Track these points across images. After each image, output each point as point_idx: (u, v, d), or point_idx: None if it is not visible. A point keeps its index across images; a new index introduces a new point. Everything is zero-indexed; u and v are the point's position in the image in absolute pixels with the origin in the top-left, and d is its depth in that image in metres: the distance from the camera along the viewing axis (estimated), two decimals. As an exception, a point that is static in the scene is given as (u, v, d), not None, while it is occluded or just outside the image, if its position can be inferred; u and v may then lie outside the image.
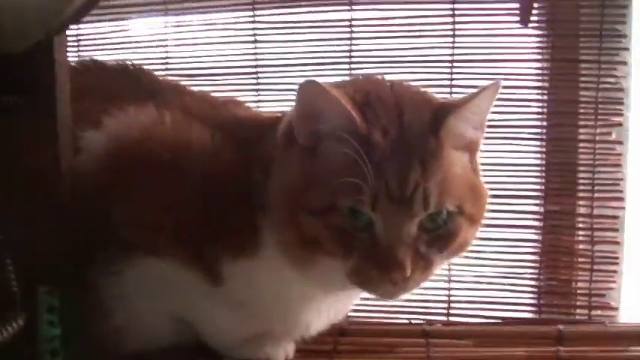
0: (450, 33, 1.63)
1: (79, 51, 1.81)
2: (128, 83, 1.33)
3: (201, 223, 1.13)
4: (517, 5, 1.57)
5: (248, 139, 1.17)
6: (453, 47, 1.63)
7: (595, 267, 1.61)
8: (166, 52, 1.77)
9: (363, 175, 0.98)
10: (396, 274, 0.99)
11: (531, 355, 1.31)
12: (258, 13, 1.72)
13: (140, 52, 1.79)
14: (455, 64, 1.63)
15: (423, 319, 1.61)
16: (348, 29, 1.67)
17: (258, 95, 1.72)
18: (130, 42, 1.82)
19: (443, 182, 1.01)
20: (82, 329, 1.14)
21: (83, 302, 1.14)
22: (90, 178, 1.16)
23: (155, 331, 1.21)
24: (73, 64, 1.30)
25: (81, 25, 1.80)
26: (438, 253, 1.04)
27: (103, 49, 1.80)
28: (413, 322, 1.60)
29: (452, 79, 1.63)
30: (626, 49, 1.58)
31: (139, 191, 1.14)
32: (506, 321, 1.60)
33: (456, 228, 1.04)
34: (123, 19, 1.82)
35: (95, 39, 1.83)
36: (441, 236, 1.03)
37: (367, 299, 1.57)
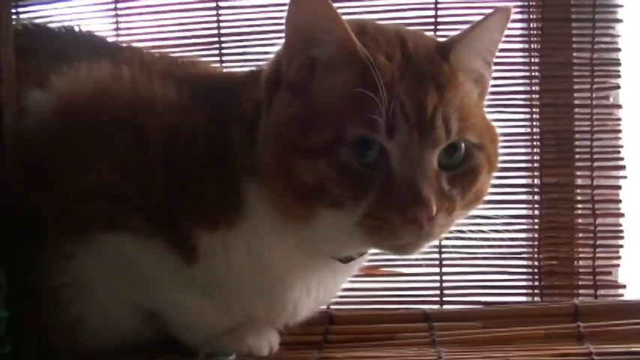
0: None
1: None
2: (78, 43, 1.20)
3: (169, 190, 0.99)
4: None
5: (221, 95, 1.04)
6: (436, 9, 1.51)
7: (598, 242, 1.50)
8: (117, 21, 1.61)
9: (375, 96, 0.86)
10: (422, 213, 0.86)
11: (550, 333, 1.18)
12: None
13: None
14: (438, 27, 1.51)
15: (415, 309, 1.46)
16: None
17: (222, 67, 1.56)
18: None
19: (462, 109, 0.91)
20: (33, 318, 0.98)
21: (33, 288, 0.99)
22: (35, 142, 1.01)
23: (117, 324, 1.07)
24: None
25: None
26: (460, 195, 0.92)
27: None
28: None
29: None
30: (621, 5, 1.50)
31: (93, 155, 1.00)
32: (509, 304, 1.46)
33: (478, 166, 0.94)
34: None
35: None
36: (462, 175, 0.93)
37: (354, 289, 1.45)
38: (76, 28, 1.25)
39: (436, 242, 1.45)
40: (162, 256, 1.00)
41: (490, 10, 1.44)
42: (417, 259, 1.49)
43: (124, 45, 1.28)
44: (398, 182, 0.87)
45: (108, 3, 1.63)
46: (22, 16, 1.64)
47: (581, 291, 1.50)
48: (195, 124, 1.01)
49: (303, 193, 0.91)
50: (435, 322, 1.27)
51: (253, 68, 1.09)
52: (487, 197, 1.44)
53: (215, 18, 1.58)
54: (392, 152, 0.88)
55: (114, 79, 1.04)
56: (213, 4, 1.58)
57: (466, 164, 0.92)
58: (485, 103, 1.44)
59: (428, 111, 0.88)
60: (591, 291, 1.49)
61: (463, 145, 0.92)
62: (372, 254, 1.46)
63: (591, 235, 1.50)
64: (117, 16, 1.61)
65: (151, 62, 1.13)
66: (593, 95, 1.50)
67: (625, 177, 1.50)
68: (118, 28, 1.61)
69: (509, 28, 1.47)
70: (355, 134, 0.88)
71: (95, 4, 1.64)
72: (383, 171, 0.88)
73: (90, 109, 1.01)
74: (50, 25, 1.29)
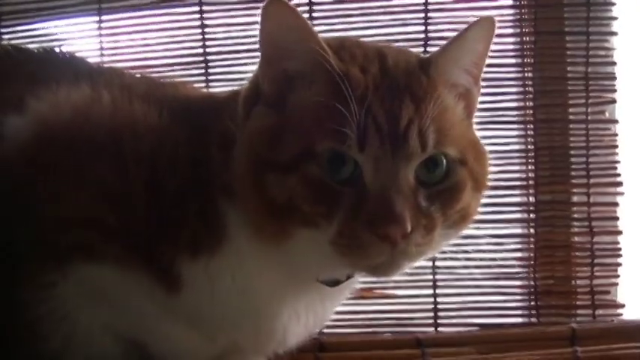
0: (422, 8, 1.49)
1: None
2: (57, 67, 1.16)
3: (149, 216, 0.94)
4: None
5: (202, 116, 1.00)
6: (426, 24, 1.48)
7: (596, 261, 1.46)
8: (101, 41, 1.59)
9: (345, 109, 0.83)
10: (394, 229, 0.81)
11: (546, 359, 1.13)
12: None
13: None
14: (429, 43, 1.48)
15: (408, 332, 1.43)
16: (307, 8, 1.50)
17: (208, 86, 1.53)
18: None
19: (440, 121, 0.87)
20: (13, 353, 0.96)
21: (9, 323, 0.95)
22: (11, 169, 0.96)
23: (101, 355, 1.01)
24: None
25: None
26: (440, 213, 0.86)
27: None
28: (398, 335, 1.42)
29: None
30: (616, 18, 1.47)
31: (71, 182, 0.95)
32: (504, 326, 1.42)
33: (459, 183, 0.88)
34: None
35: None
36: (443, 192, 0.87)
37: (345, 312, 1.41)
38: (56, 50, 1.21)
39: (429, 263, 1.46)
40: (143, 286, 0.95)
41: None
42: (410, 281, 1.48)
43: (104, 66, 1.24)
44: (370, 198, 0.83)
45: (91, 22, 1.59)
46: (4, 36, 1.61)
47: (579, 311, 1.46)
48: (176, 146, 0.96)
49: (275, 210, 0.86)
50: (428, 347, 1.23)
51: (238, 87, 1.04)
52: (481, 216, 1.45)
53: (201, 37, 1.55)
54: (364, 166, 0.83)
55: (93, 103, 1.00)
56: (199, 23, 1.55)
57: (447, 181, 0.87)
58: (478, 119, 1.44)
59: (401, 123, 0.84)
60: (589, 311, 1.45)
61: (444, 160, 0.87)
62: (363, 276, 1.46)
63: (589, 253, 1.46)
64: (101, 35, 1.58)
65: (132, 84, 1.09)
66: (589, 110, 1.47)
67: (622, 193, 1.46)
68: (102, 48, 1.58)
69: (502, 43, 1.48)
70: (325, 148, 0.84)
71: (79, 23, 1.61)
72: (356, 187, 0.84)
73: (68, 135, 0.97)
74: (29, 47, 1.25)
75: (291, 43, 0.88)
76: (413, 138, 0.84)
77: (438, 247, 0.91)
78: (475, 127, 1.40)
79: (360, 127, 0.83)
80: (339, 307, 1.42)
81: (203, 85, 1.52)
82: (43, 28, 1.62)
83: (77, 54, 1.25)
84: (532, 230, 1.48)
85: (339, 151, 0.84)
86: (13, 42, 1.60)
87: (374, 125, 0.83)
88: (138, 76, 1.22)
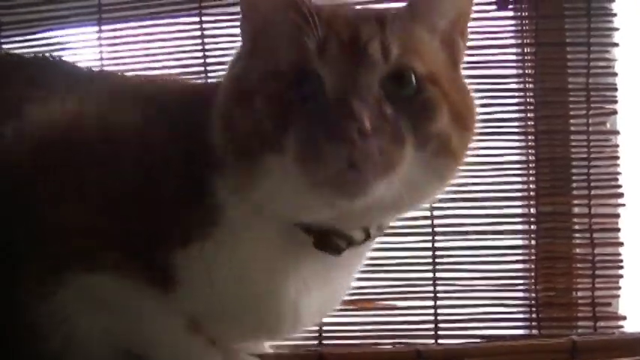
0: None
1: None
2: (52, 72, 1.16)
3: (146, 217, 0.94)
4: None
5: (192, 108, 0.99)
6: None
7: (597, 272, 1.45)
8: (101, 51, 1.59)
9: (308, 29, 0.84)
10: (349, 124, 0.78)
11: (547, 372, 1.12)
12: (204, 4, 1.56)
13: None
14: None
15: (408, 344, 1.42)
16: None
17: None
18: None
19: (407, 41, 0.86)
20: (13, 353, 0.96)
21: (9, 323, 0.96)
22: (12, 169, 0.97)
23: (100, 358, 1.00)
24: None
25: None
26: (411, 130, 0.83)
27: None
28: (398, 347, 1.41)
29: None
30: (617, 29, 1.46)
31: (67, 190, 0.95)
32: (505, 338, 1.42)
33: (431, 100, 0.85)
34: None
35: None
36: (412, 107, 0.84)
37: (345, 324, 1.41)
38: (48, 56, 1.23)
39: (430, 274, 1.46)
40: (142, 291, 0.95)
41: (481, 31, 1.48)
42: (410, 292, 1.48)
43: (95, 71, 1.23)
44: (330, 106, 0.81)
45: (92, 32, 1.60)
46: (5, 45, 1.61)
47: (580, 323, 1.46)
48: (165, 144, 0.96)
49: (244, 144, 0.86)
50: (429, 359, 1.22)
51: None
52: (481, 227, 1.45)
53: (201, 47, 1.55)
54: (325, 76, 0.83)
55: (84, 113, 1.00)
56: (199, 33, 1.55)
57: (418, 98, 0.85)
58: (479, 130, 1.44)
59: (363, 36, 0.84)
60: (590, 323, 1.45)
61: (412, 77, 0.85)
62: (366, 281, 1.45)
63: (590, 265, 1.45)
64: (101, 45, 1.59)
65: (120, 81, 1.12)
66: (590, 121, 1.46)
67: (623, 205, 1.45)
68: (102, 58, 1.58)
69: (503, 54, 1.48)
70: (287, 64, 0.85)
71: (79, 33, 1.62)
72: (318, 100, 0.83)
73: (63, 144, 0.97)
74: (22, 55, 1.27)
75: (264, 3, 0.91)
76: (374, 48, 0.83)
77: (419, 185, 0.87)
78: (476, 137, 1.44)
79: (320, 39, 0.83)
80: (341, 319, 1.45)
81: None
82: (43, 38, 1.63)
83: (77, 63, 1.26)
84: (533, 242, 1.48)
85: (302, 68, 0.84)
86: (13, 52, 1.60)
87: (335, 37, 0.84)
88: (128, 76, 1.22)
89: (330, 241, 0.94)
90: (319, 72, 0.83)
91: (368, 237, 0.95)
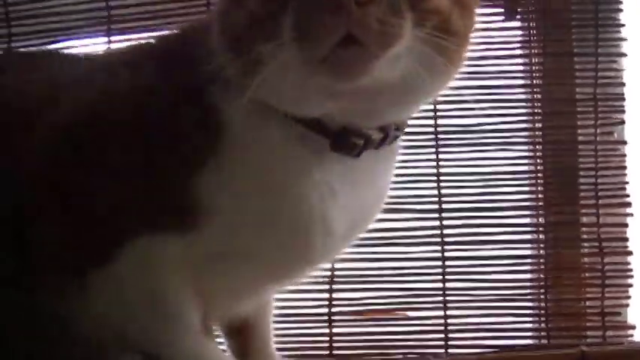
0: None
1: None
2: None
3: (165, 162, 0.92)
4: (501, -4, 1.46)
5: (189, 39, 0.99)
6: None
7: (606, 282, 1.46)
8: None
9: None
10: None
11: (557, 381, 1.13)
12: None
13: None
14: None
15: (419, 354, 1.43)
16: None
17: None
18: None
19: None
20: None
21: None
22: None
23: None
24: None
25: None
26: (408, 6, 0.80)
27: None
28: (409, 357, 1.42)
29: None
30: (624, 39, 1.47)
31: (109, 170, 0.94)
32: (515, 348, 1.43)
33: None
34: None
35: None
36: None
37: (355, 334, 1.42)
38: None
39: (440, 284, 1.47)
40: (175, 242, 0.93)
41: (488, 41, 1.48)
42: (420, 302, 1.49)
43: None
44: None
45: (101, 43, 1.63)
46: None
47: (589, 332, 1.47)
48: (168, 93, 0.94)
49: (241, 41, 0.84)
50: (440, 371, 1.23)
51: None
52: (490, 237, 1.46)
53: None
54: None
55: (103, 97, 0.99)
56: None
57: None
58: (487, 140, 1.46)
59: None
60: (600, 332, 1.45)
61: None
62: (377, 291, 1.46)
63: (599, 274, 1.46)
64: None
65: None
66: (597, 131, 1.47)
67: (631, 214, 1.46)
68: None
69: (510, 64, 1.49)
70: None
71: (88, 44, 1.64)
72: None
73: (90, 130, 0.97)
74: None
75: None
76: None
77: (422, 73, 0.83)
78: (483, 148, 1.45)
79: None
80: (351, 329, 1.46)
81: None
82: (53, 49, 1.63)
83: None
84: (542, 251, 1.49)
85: None
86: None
87: None
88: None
89: (347, 141, 0.91)
90: None
91: (386, 137, 0.92)
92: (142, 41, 1.13)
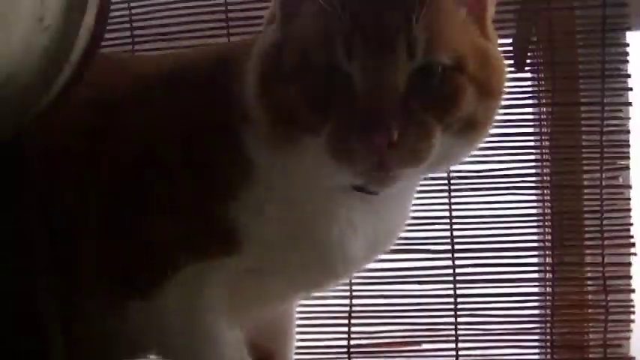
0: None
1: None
2: None
3: (195, 178, 1.01)
4: (511, 48, 1.51)
5: (219, 65, 1.05)
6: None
7: (610, 317, 1.54)
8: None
9: (335, 20, 0.85)
10: (378, 136, 0.82)
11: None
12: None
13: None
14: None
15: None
16: None
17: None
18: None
19: (433, 26, 0.86)
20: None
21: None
22: None
23: None
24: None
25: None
26: (436, 120, 0.86)
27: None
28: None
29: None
30: (630, 89, 1.52)
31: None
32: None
33: (455, 89, 0.87)
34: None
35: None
36: (438, 99, 0.86)
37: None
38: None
39: (452, 319, 1.57)
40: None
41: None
42: (434, 335, 1.59)
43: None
44: (359, 105, 0.84)
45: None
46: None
47: (592, 364, 1.56)
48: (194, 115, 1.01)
49: (282, 120, 0.91)
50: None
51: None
52: (501, 276, 1.55)
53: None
54: (353, 73, 0.85)
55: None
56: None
57: (442, 87, 0.86)
58: (497, 185, 1.53)
59: (389, 29, 0.85)
60: (602, 364, 1.55)
61: (439, 68, 0.86)
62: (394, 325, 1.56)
63: (603, 310, 1.53)
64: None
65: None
66: (603, 176, 1.53)
67: (635, 254, 1.52)
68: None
69: (521, 113, 1.56)
70: (319, 58, 0.87)
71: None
72: (348, 94, 0.85)
73: None
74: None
75: None
76: (400, 45, 0.84)
77: (449, 156, 0.92)
78: (494, 192, 1.53)
79: (347, 35, 0.85)
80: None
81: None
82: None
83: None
84: (549, 289, 1.56)
85: (331, 65, 0.86)
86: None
87: (361, 33, 0.84)
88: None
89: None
90: (348, 70, 0.85)
91: None
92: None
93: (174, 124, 1.01)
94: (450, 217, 1.56)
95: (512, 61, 1.51)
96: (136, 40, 1.66)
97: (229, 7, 1.61)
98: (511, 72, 1.52)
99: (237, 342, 1.04)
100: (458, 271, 1.57)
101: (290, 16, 0.93)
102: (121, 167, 1.02)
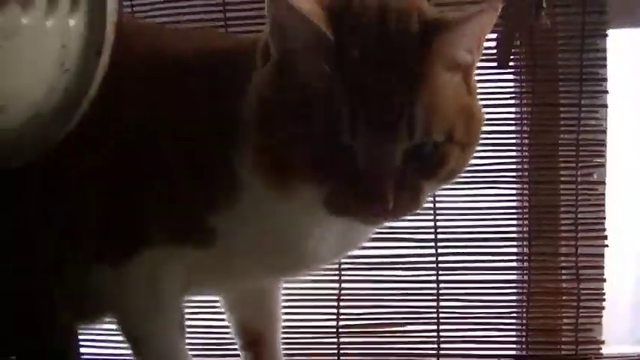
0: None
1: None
2: None
3: (186, 183, 1.04)
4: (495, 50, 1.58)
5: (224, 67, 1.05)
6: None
7: (581, 304, 1.64)
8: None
9: (339, 99, 0.87)
10: (377, 207, 0.89)
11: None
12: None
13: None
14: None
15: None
16: None
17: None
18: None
19: (431, 107, 0.88)
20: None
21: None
22: None
23: None
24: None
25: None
26: (425, 181, 0.93)
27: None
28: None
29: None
30: (606, 91, 1.60)
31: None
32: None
33: (445, 157, 0.92)
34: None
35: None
36: (428, 165, 0.92)
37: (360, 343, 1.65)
38: None
39: (434, 303, 1.67)
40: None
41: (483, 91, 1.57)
42: (417, 318, 1.68)
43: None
44: (360, 175, 0.88)
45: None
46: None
47: (564, 346, 1.66)
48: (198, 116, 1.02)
49: (280, 166, 0.93)
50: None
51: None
52: (482, 264, 1.65)
53: None
54: (357, 150, 0.88)
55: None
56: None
57: (433, 157, 0.91)
58: (479, 179, 1.62)
59: (393, 112, 0.87)
60: (573, 346, 1.65)
61: (431, 143, 0.90)
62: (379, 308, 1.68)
63: (575, 297, 1.64)
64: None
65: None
66: (578, 173, 1.62)
67: (607, 246, 1.62)
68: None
69: (502, 113, 1.63)
70: (319, 127, 0.88)
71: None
72: (349, 161, 0.88)
73: None
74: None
75: (289, 29, 0.89)
76: (402, 128, 0.87)
77: (429, 192, 0.98)
78: (476, 185, 1.62)
79: (352, 117, 0.86)
80: (356, 339, 1.68)
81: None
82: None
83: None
84: (526, 277, 1.67)
85: (336, 136, 0.87)
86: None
87: (365, 115, 0.86)
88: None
89: None
90: (351, 144, 0.88)
91: None
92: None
93: (179, 112, 1.03)
94: (434, 209, 1.65)
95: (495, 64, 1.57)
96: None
97: (227, 7, 1.67)
98: (495, 73, 1.61)
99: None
100: (440, 259, 1.66)
101: (288, 63, 0.92)
102: (125, 139, 1.04)
